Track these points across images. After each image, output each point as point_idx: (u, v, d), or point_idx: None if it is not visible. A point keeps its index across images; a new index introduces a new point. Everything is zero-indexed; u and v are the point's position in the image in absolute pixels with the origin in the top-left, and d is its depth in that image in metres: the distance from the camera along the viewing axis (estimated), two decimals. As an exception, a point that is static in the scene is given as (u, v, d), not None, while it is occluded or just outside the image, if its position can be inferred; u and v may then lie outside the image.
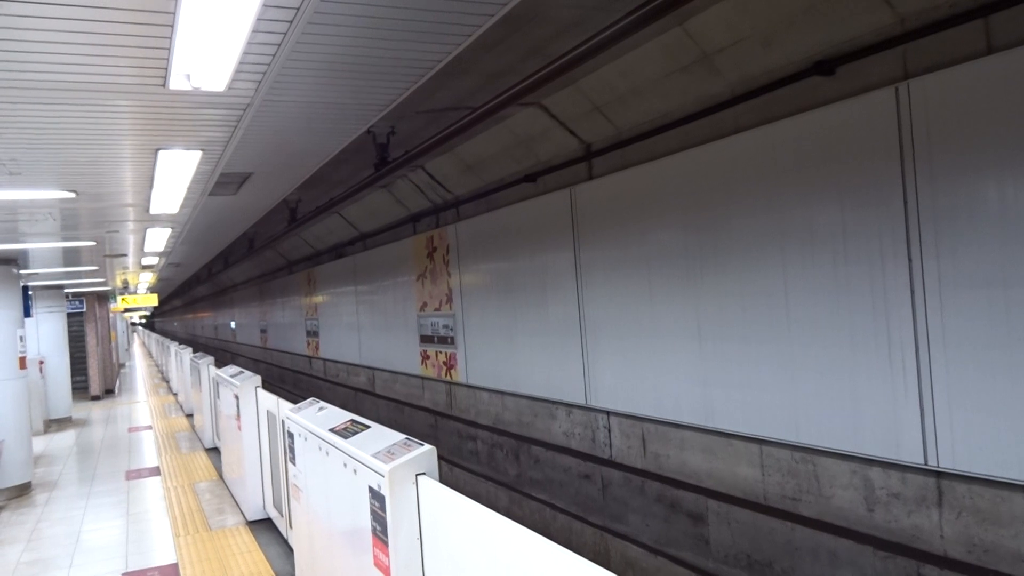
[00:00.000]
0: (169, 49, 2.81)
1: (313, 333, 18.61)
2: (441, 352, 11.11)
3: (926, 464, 4.44)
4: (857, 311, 4.79)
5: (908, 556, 4.59)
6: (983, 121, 4.02)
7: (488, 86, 6.70)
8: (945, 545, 4.43)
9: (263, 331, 25.28)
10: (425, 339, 11.65)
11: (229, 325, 33.20)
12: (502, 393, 9.49)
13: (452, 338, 10.68)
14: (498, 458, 9.60)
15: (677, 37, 5.56)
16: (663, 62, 5.86)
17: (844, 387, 4.91)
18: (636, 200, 6.69)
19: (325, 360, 17.80)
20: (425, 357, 11.71)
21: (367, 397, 14.71)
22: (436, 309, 11.18)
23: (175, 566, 5.44)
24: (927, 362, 4.39)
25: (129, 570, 5.49)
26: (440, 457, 10.73)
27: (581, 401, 7.75)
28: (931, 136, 4.27)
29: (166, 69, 3.03)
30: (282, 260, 20.57)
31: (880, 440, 4.70)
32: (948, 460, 4.31)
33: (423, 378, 11.97)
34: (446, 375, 11.02)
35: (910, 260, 4.44)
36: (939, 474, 4.43)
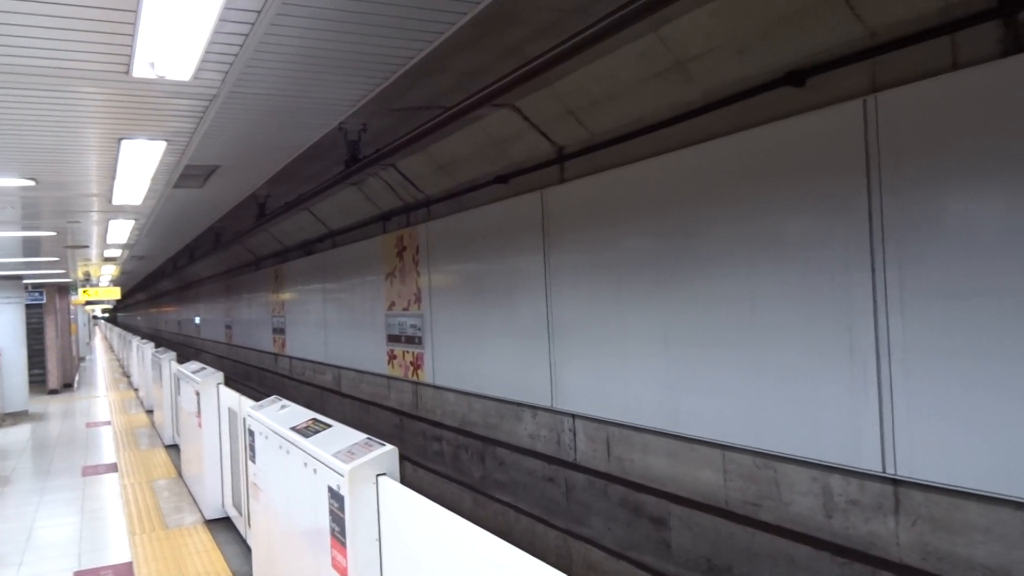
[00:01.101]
0: (133, 36, 2.75)
1: (280, 330, 18.41)
2: (408, 352, 11.04)
3: (884, 472, 4.49)
4: (821, 319, 4.84)
5: (864, 563, 4.64)
6: (947, 136, 4.09)
7: (462, 86, 6.67)
8: (901, 552, 4.50)
9: (228, 327, 24.94)
10: (392, 339, 11.57)
11: (194, 320, 32.71)
12: (468, 394, 9.46)
13: (420, 338, 10.62)
14: (463, 459, 9.57)
15: (652, 43, 5.58)
16: (637, 68, 5.88)
17: (807, 394, 4.96)
18: (607, 204, 6.71)
19: (291, 358, 17.61)
20: (392, 357, 11.63)
21: (333, 396, 14.57)
22: (404, 309, 11.11)
23: (129, 565, 5.33)
24: (888, 371, 4.45)
25: (82, 568, 5.37)
26: (405, 458, 10.65)
27: (547, 404, 7.75)
28: (897, 149, 4.33)
29: (130, 56, 2.96)
30: (249, 256, 20.32)
31: (840, 448, 4.75)
32: (906, 468, 4.37)
33: (390, 378, 11.88)
34: (413, 375, 10.96)
35: (874, 270, 4.50)
36: (896, 482, 4.49)
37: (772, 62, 5.02)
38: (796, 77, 4.84)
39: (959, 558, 4.19)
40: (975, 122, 3.96)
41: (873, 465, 4.55)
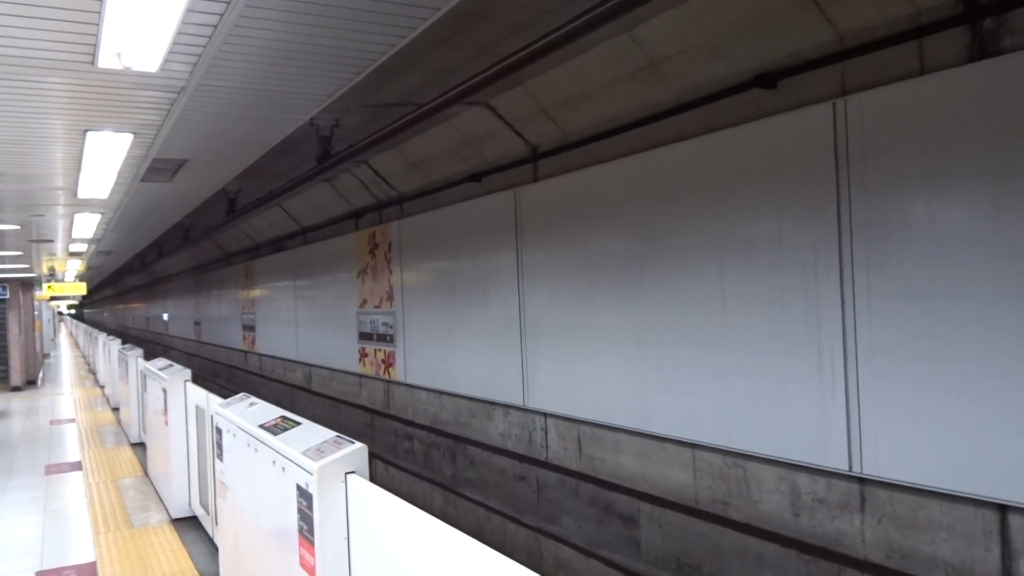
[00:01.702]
0: (98, 25, 2.69)
1: (249, 327, 18.22)
2: (380, 350, 10.98)
3: (850, 471, 4.55)
4: (790, 320, 4.89)
5: (831, 560, 4.70)
6: (915, 140, 4.15)
7: (435, 83, 6.64)
8: (866, 550, 4.56)
9: (197, 324, 24.63)
10: (364, 336, 11.50)
11: (162, 317, 32.26)
12: (440, 393, 9.43)
13: (392, 336, 10.57)
14: (434, 458, 9.54)
15: (625, 44, 5.60)
16: (611, 67, 5.89)
17: (775, 394, 5.01)
18: (580, 203, 6.72)
19: (261, 355, 17.44)
20: (364, 355, 11.57)
21: (303, 394, 14.46)
22: (376, 306, 11.05)
23: (93, 565, 5.24)
24: (855, 371, 4.51)
25: (44, 568, 5.26)
26: (376, 456, 10.59)
27: (519, 402, 7.75)
28: (865, 152, 4.39)
29: (95, 46, 2.91)
30: (219, 252, 20.08)
31: (808, 447, 4.81)
32: (872, 467, 4.44)
33: (361, 376, 11.81)
34: (384, 373, 10.90)
35: (842, 272, 4.55)
36: (862, 480, 4.56)
37: (743, 64, 5.07)
38: (767, 79, 4.88)
39: (923, 555, 4.26)
40: (941, 127, 4.03)
41: (840, 464, 4.61)
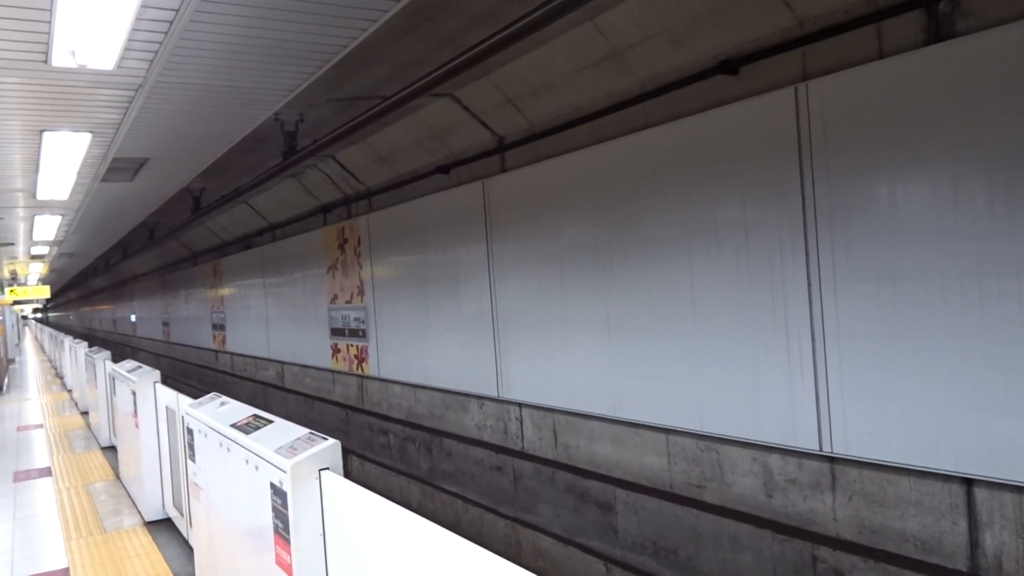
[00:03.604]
0: (50, 23, 2.63)
1: (219, 326, 18.02)
2: (352, 345, 10.93)
3: (821, 450, 4.63)
4: (758, 304, 4.95)
5: (804, 539, 4.78)
6: (875, 123, 4.21)
7: (400, 75, 6.60)
8: (838, 527, 4.64)
9: (166, 324, 24.30)
10: (336, 332, 11.43)
11: (129, 318, 31.77)
12: (414, 386, 9.41)
13: (364, 331, 10.52)
14: (410, 452, 9.52)
15: (588, 32, 5.60)
16: (574, 57, 5.90)
17: (746, 377, 5.07)
18: (548, 193, 6.73)
19: (232, 354, 17.27)
20: (336, 351, 11.50)
21: (276, 392, 14.34)
22: (347, 302, 10.99)
23: (66, 571, 5.16)
24: (822, 352, 4.58)
25: (14, 577, 5.17)
26: (351, 452, 10.54)
27: (493, 393, 7.76)
28: (827, 136, 4.45)
29: (48, 44, 2.84)
30: (186, 251, 19.81)
31: (779, 428, 4.88)
32: (841, 446, 4.51)
33: (334, 372, 11.75)
34: (357, 368, 10.85)
35: (807, 255, 4.61)
36: (832, 459, 4.63)
37: (706, 51, 5.10)
38: (730, 66, 4.92)
39: (892, 531, 4.35)
40: (900, 109, 4.09)
41: (810, 444, 4.68)
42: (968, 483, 4.02)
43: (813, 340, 4.62)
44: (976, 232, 3.83)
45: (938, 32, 3.97)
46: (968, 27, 3.84)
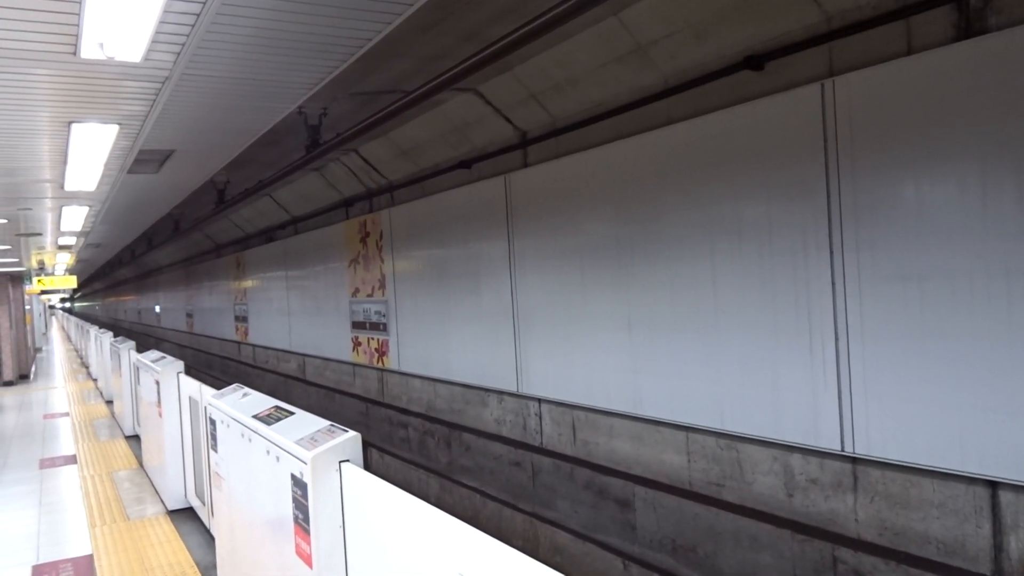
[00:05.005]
0: (79, 15, 2.66)
1: (242, 318, 18.17)
2: (373, 339, 10.97)
3: (843, 451, 4.58)
4: (781, 302, 4.91)
5: (824, 539, 4.74)
6: (902, 120, 4.15)
7: (423, 70, 6.60)
8: (859, 528, 4.60)
9: (189, 315, 24.56)
10: (357, 325, 11.49)
11: (154, 309, 32.14)
12: (434, 380, 9.44)
13: (384, 324, 10.56)
14: (429, 445, 9.56)
15: (613, 27, 5.57)
16: (598, 52, 5.87)
17: (767, 376, 5.03)
18: (570, 189, 6.71)
19: (254, 346, 17.41)
20: (357, 344, 11.56)
21: (297, 384, 14.45)
22: (368, 295, 11.04)
23: (90, 558, 5.24)
24: (846, 352, 4.53)
25: (40, 562, 5.26)
26: (371, 444, 10.59)
27: (513, 389, 7.76)
28: (854, 133, 4.39)
29: (77, 36, 2.87)
30: (210, 243, 19.99)
31: (800, 428, 4.83)
32: (863, 447, 4.47)
33: (355, 365, 11.81)
34: (378, 362, 10.90)
35: (832, 253, 4.56)
36: (855, 460, 4.59)
37: (731, 47, 5.05)
38: (755, 62, 4.87)
39: (915, 533, 4.30)
40: (928, 106, 4.03)
41: (832, 444, 4.64)
42: (993, 486, 3.96)
43: (836, 340, 4.58)
44: (1005, 232, 3.76)
45: (968, 28, 3.91)
46: (1000, 23, 3.77)
